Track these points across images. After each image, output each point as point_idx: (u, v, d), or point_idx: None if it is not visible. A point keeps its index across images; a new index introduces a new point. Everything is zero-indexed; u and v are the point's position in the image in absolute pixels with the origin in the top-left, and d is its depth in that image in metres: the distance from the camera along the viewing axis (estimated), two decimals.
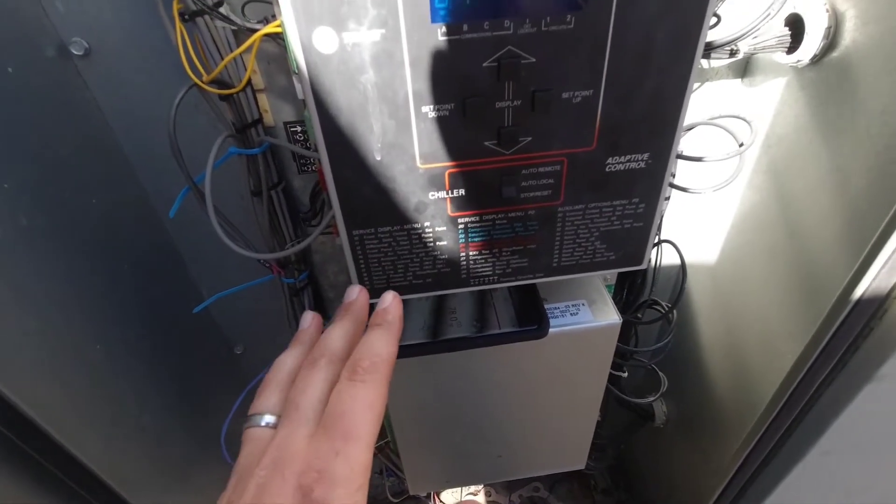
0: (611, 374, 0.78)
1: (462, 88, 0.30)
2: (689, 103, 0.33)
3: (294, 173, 0.54)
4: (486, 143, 0.32)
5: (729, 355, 0.71)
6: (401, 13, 0.27)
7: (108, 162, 0.57)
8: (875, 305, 0.45)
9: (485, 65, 0.29)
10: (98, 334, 0.52)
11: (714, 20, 0.42)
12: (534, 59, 0.29)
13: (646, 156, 0.34)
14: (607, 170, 0.34)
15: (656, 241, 0.62)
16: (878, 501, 0.69)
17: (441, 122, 0.31)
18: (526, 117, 0.31)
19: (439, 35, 0.28)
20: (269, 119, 0.48)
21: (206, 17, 0.39)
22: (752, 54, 0.58)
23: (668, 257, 0.78)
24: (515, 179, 0.34)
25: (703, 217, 0.72)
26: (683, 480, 0.81)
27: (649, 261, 0.63)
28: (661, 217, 0.62)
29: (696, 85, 0.62)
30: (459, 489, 1.14)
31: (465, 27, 0.28)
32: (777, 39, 0.53)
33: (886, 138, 0.45)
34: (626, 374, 0.79)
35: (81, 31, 0.51)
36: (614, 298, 0.69)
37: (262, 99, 0.47)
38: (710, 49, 0.52)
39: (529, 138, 0.32)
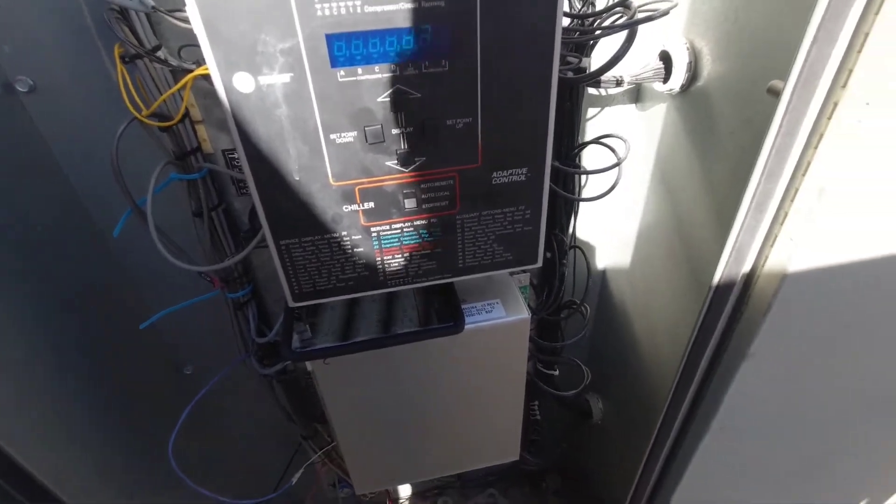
0: (543, 373, 0.86)
1: (362, 119, 0.37)
2: (553, 125, 0.40)
3: (234, 196, 0.59)
4: (388, 163, 0.39)
5: (647, 349, 0.79)
6: (305, 60, 0.33)
7: (51, 190, 0.60)
8: (734, 291, 0.53)
9: (379, 100, 0.36)
10: (36, 351, 0.55)
11: (576, 60, 0.51)
12: (419, 95, 0.36)
13: (524, 170, 0.41)
14: (493, 182, 0.42)
15: (569, 246, 0.70)
16: (772, 472, 0.78)
17: (347, 146, 0.37)
18: (418, 141, 0.38)
19: (339, 77, 0.35)
20: (207, 147, 0.53)
21: (145, 59, 0.44)
22: (636, 84, 0.67)
23: (601, 263, 0.86)
24: (416, 193, 0.41)
25: (619, 226, 0.80)
26: (621, 473, 0.87)
27: (564, 264, 0.71)
28: (573, 224, 0.70)
29: (595, 110, 0.72)
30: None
31: (360, 70, 0.35)
32: (653, 71, 0.62)
33: (737, 155, 0.54)
34: (557, 373, 0.86)
35: (27, 70, 0.55)
36: (537, 302, 0.76)
37: (201, 129, 0.52)
38: (598, 79, 0.60)
39: (424, 158, 0.39)
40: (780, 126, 0.40)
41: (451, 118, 0.38)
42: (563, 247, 0.67)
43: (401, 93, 0.36)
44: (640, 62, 0.62)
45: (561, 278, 0.70)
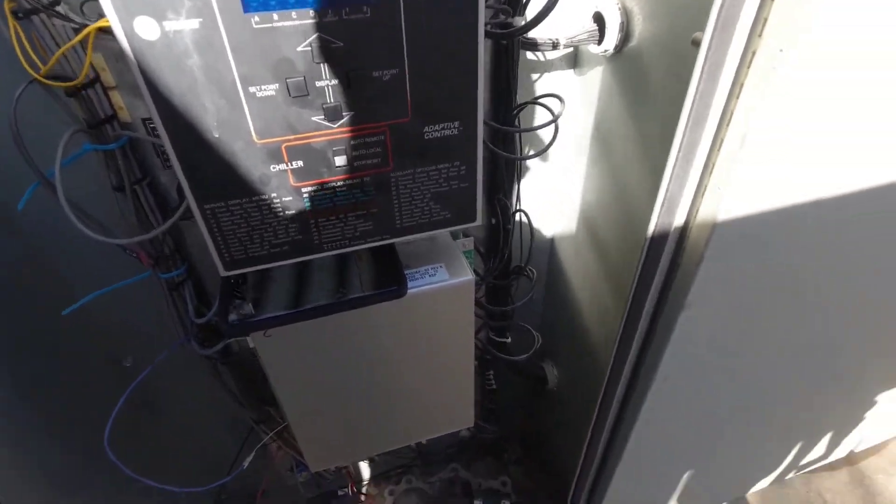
0: (496, 341, 0.86)
1: (283, 70, 0.35)
2: (483, 77, 0.40)
3: (160, 169, 0.55)
4: (314, 119, 0.37)
5: (593, 310, 0.81)
6: (214, 4, 0.31)
7: None
8: (669, 243, 0.55)
9: (299, 49, 0.34)
10: None
11: (504, 17, 0.50)
12: (342, 44, 0.35)
13: (456, 123, 0.41)
14: (426, 137, 0.41)
15: (514, 210, 0.70)
16: (713, 418, 0.82)
17: (269, 100, 0.36)
18: (345, 94, 0.37)
19: (253, 23, 0.33)
20: (125, 115, 0.50)
21: (43, 14, 0.40)
22: (572, 46, 0.68)
23: (548, 228, 0.87)
24: (346, 150, 0.39)
25: (563, 188, 0.81)
26: (575, 436, 0.90)
27: (509, 228, 0.72)
28: (518, 188, 0.70)
29: (535, 76, 0.72)
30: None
31: (276, 16, 0.33)
32: (588, 33, 0.62)
33: (666, 111, 0.55)
34: (509, 340, 0.87)
35: None
36: (485, 268, 0.77)
37: (115, 96, 0.48)
38: (535, 42, 0.60)
39: (352, 113, 0.38)
40: (702, 73, 0.41)
41: (378, 69, 0.36)
42: (508, 211, 0.68)
43: (322, 41, 0.34)
44: (575, 25, 0.63)
45: (506, 242, 0.70)
